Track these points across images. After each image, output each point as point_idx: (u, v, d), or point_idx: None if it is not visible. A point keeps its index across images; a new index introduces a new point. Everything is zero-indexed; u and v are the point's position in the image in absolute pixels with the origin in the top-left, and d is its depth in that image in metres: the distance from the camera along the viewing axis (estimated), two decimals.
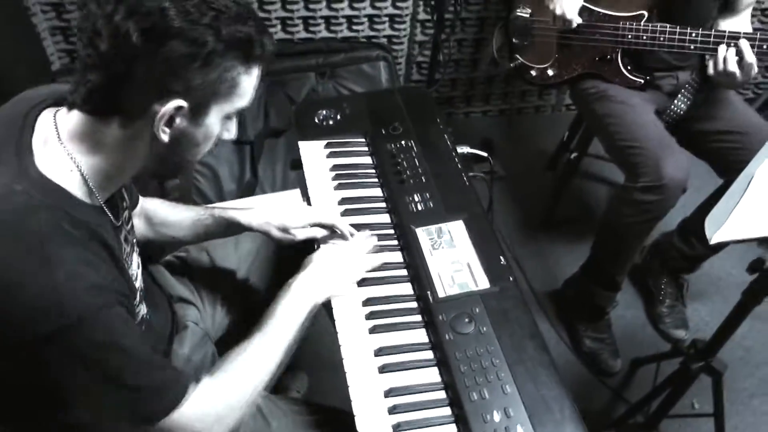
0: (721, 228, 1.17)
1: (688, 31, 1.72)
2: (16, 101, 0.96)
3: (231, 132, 1.00)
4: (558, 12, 1.81)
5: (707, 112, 1.88)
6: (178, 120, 0.87)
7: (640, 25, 1.78)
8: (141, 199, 1.29)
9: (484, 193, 1.54)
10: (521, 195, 2.57)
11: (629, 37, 1.81)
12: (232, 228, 1.33)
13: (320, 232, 1.30)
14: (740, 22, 1.84)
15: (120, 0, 0.79)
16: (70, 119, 0.88)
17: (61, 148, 0.88)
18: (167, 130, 0.87)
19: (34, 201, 0.83)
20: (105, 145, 0.88)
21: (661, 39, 1.76)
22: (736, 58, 1.64)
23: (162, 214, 1.32)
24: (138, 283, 1.09)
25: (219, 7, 0.83)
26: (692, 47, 1.72)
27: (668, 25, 1.74)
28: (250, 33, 0.85)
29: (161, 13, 0.79)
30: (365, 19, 2.43)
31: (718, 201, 1.59)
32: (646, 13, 1.78)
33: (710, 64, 1.70)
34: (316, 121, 1.55)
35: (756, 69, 1.67)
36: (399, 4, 2.40)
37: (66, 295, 0.80)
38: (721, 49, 1.66)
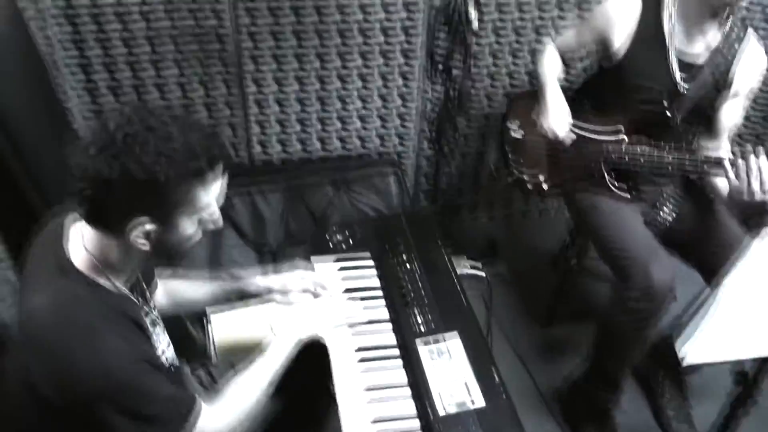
0: (692, 349, 1.27)
1: (665, 154, 1.87)
2: (54, 214, 1.25)
3: (217, 222, 1.22)
4: (547, 128, 1.98)
5: (692, 223, 2.01)
6: (152, 234, 1.11)
7: (621, 146, 1.96)
8: (159, 282, 1.52)
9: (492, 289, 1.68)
10: (526, 294, 2.70)
11: (613, 156, 1.98)
12: (242, 295, 1.59)
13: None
14: (719, 145, 2.00)
15: (100, 150, 1.04)
16: (86, 229, 1.16)
17: (85, 251, 1.16)
18: (146, 242, 1.12)
19: (79, 293, 1.12)
20: (111, 249, 1.16)
21: (641, 159, 1.93)
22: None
23: (181, 292, 1.56)
24: (167, 358, 1.32)
25: (168, 152, 1.05)
26: (670, 168, 1.88)
27: (647, 148, 1.91)
28: (199, 166, 1.09)
29: (121, 165, 1.03)
30: (376, 138, 2.66)
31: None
32: (625, 136, 1.95)
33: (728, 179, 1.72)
34: (331, 244, 1.74)
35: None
36: (406, 123, 2.64)
37: (110, 366, 1.07)
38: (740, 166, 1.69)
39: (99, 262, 1.16)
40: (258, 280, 1.58)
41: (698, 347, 1.27)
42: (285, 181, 2.52)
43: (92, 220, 1.13)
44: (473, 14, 1.81)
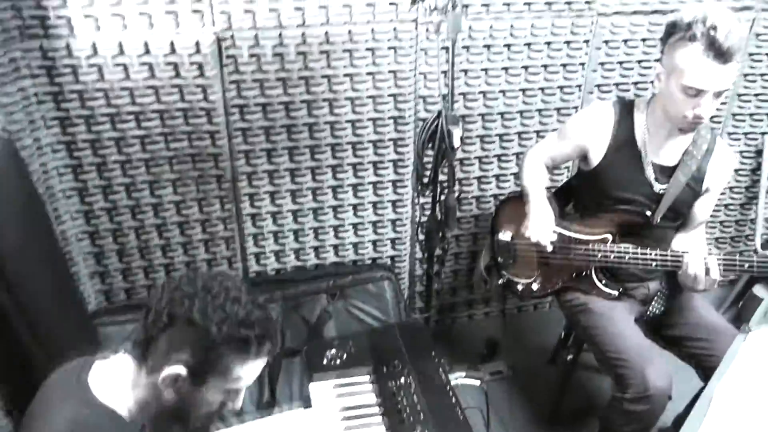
0: None
1: (648, 251, 1.94)
2: (68, 362, 1.28)
3: (236, 404, 1.26)
4: (533, 238, 2.03)
5: (678, 319, 2.06)
6: (179, 384, 1.15)
7: (607, 247, 2.02)
8: None
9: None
10: (527, 390, 2.69)
11: (599, 257, 2.04)
12: None
13: None
14: (695, 237, 2.08)
15: (179, 288, 1.16)
16: (121, 361, 1.22)
17: (111, 384, 1.20)
18: (171, 391, 1.16)
19: (100, 420, 1.15)
20: (139, 385, 1.20)
21: (626, 258, 1.99)
22: (703, 271, 1.83)
23: None
24: None
25: (229, 311, 1.14)
26: (653, 265, 1.95)
27: (631, 247, 1.98)
28: (248, 336, 1.14)
29: (188, 305, 1.14)
30: (369, 244, 2.72)
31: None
32: (610, 237, 2.03)
33: (679, 272, 1.90)
34: (325, 361, 1.75)
35: (717, 281, 1.85)
36: (398, 228, 2.71)
37: None
38: (691, 261, 1.84)
39: (124, 395, 1.19)
40: None
41: None
42: (280, 291, 2.55)
43: (138, 352, 1.19)
44: (455, 133, 1.90)
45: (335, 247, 2.70)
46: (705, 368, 1.94)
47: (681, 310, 2.08)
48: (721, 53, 1.70)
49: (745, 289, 3.05)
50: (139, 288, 2.55)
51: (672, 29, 1.80)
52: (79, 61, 2.11)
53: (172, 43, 2.16)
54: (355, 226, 2.67)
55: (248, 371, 1.19)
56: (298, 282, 2.59)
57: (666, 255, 1.92)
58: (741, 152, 2.91)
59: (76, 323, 2.13)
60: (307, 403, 1.94)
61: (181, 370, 1.14)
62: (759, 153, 2.92)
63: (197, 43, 2.17)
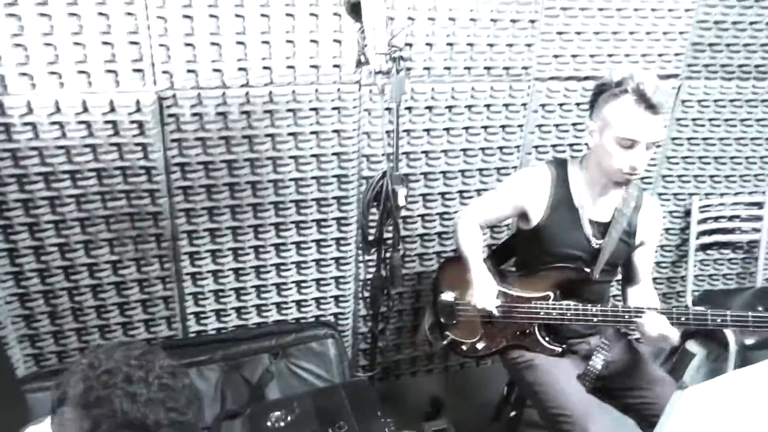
0: None
1: (590, 308, 2.00)
2: None
3: None
4: (479, 306, 2.06)
5: (618, 370, 2.11)
6: None
7: (548, 304, 2.07)
8: None
9: None
10: None
11: (542, 314, 2.08)
12: None
13: None
14: (644, 289, 2.15)
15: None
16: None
17: None
18: None
19: None
20: None
21: (568, 315, 2.03)
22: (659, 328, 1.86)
23: None
24: None
25: (141, 413, 1.08)
26: (595, 320, 2.00)
27: (572, 304, 2.03)
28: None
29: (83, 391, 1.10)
30: (312, 302, 2.69)
31: None
32: (551, 294, 2.08)
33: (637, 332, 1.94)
34: (269, 424, 1.71)
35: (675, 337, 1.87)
36: (342, 286, 2.70)
37: None
38: (646, 319, 1.88)
39: None
40: None
41: None
42: (221, 352, 2.49)
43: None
44: (401, 193, 1.93)
45: (278, 305, 2.66)
46: (646, 417, 1.99)
47: (621, 363, 2.12)
48: (650, 104, 1.82)
49: (679, 345, 3.14)
50: (71, 351, 2.44)
51: (602, 87, 1.93)
52: (12, 119, 2.06)
53: (111, 102, 2.13)
54: (298, 283, 2.64)
55: None
56: (240, 341, 2.54)
57: (606, 310, 1.97)
58: (671, 212, 3.05)
59: (2, 390, 2.01)
60: None
61: None
62: (688, 213, 3.07)
63: (138, 102, 2.15)
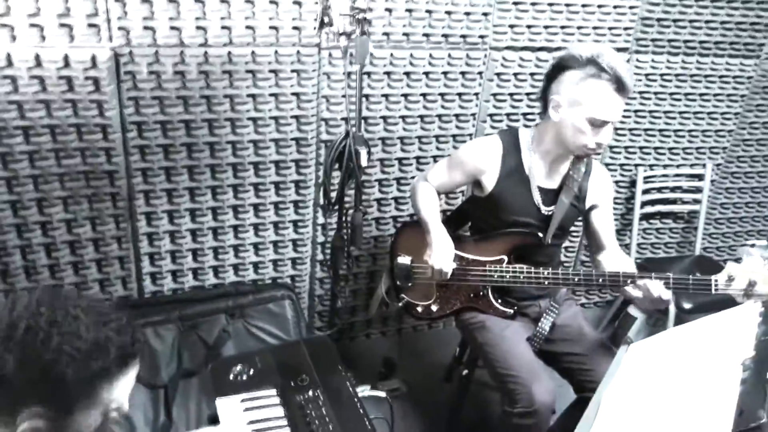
0: None
1: (542, 271, 2.08)
2: None
3: (124, 407, 1.09)
4: (435, 266, 2.11)
5: (563, 335, 2.20)
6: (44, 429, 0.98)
7: (502, 267, 2.14)
8: None
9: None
10: (424, 408, 2.75)
11: (495, 276, 2.15)
12: None
13: None
14: (613, 255, 2.17)
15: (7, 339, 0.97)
16: None
17: None
18: None
19: None
20: None
21: (521, 277, 2.11)
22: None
23: None
24: None
25: (71, 351, 0.97)
26: (546, 283, 2.08)
27: (525, 267, 2.11)
28: (105, 365, 1.00)
29: (19, 359, 0.96)
30: (270, 263, 2.72)
31: (574, 414, 1.85)
32: (505, 258, 2.15)
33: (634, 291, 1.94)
34: (231, 377, 1.74)
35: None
36: (299, 248, 2.73)
37: None
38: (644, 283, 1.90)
39: None
40: None
41: None
42: (177, 312, 2.49)
43: None
44: (363, 153, 1.96)
45: (235, 266, 2.67)
46: (581, 382, 2.10)
47: (566, 329, 2.21)
48: (624, 88, 1.88)
49: (621, 309, 3.29)
50: None
51: (567, 62, 1.95)
52: None
53: (66, 57, 2.09)
54: (255, 245, 2.66)
55: (120, 389, 1.06)
56: (196, 302, 2.54)
57: (557, 273, 2.06)
58: (617, 182, 3.17)
59: None
60: (209, 422, 1.91)
61: (39, 416, 0.98)
62: (633, 183, 3.20)
63: (93, 58, 2.12)
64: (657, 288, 1.89)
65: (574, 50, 1.94)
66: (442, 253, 2.12)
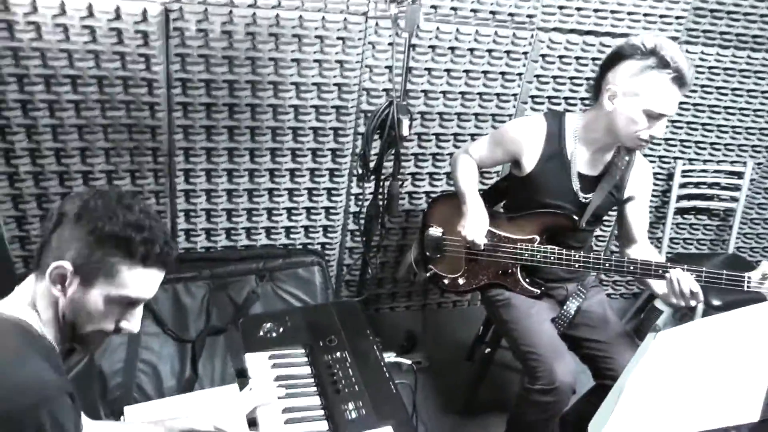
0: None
1: (573, 254, 2.08)
2: None
3: (131, 323, 1.24)
4: (469, 237, 2.12)
5: (587, 321, 2.20)
6: (67, 282, 1.15)
7: (534, 246, 2.14)
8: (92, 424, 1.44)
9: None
10: (444, 383, 2.78)
11: (526, 255, 2.16)
12: None
13: None
14: (642, 249, 2.17)
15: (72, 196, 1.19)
16: (25, 283, 1.21)
17: (19, 302, 1.18)
18: (59, 287, 1.15)
19: (6, 326, 1.12)
20: (38, 296, 1.17)
21: (552, 258, 2.11)
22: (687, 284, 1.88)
23: None
24: None
25: (117, 212, 1.16)
26: (576, 266, 2.08)
27: (557, 248, 2.11)
28: (133, 236, 1.16)
29: (78, 204, 1.16)
30: (302, 229, 2.74)
31: (591, 399, 1.86)
32: (537, 237, 2.15)
33: (663, 285, 1.94)
34: (261, 333, 1.77)
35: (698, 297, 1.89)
36: (331, 216, 2.75)
37: (33, 380, 1.05)
38: (681, 278, 1.88)
39: (30, 311, 1.17)
40: (193, 423, 1.50)
41: (608, 430, 1.38)
42: (209, 270, 2.54)
43: (35, 262, 1.19)
44: (405, 121, 1.97)
45: (267, 230, 2.70)
46: (601, 370, 2.09)
47: (592, 314, 2.21)
48: (684, 82, 1.85)
49: (647, 302, 3.27)
50: None
51: (628, 51, 1.90)
52: (16, 17, 2.03)
53: (117, 9, 2.12)
54: (289, 210, 2.69)
55: (136, 279, 1.18)
56: (228, 261, 2.58)
57: (588, 257, 2.05)
58: (654, 174, 3.10)
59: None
60: (237, 375, 1.95)
61: (66, 264, 1.13)
62: (670, 177, 3.16)
63: (144, 12, 2.14)
64: (687, 281, 1.87)
65: (636, 40, 1.90)
66: (475, 224, 2.13)
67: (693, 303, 1.89)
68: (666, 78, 1.85)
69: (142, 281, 1.19)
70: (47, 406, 1.02)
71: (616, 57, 1.94)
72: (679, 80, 1.85)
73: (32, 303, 1.17)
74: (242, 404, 1.54)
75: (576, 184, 2.10)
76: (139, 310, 1.25)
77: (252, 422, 1.53)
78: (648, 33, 1.87)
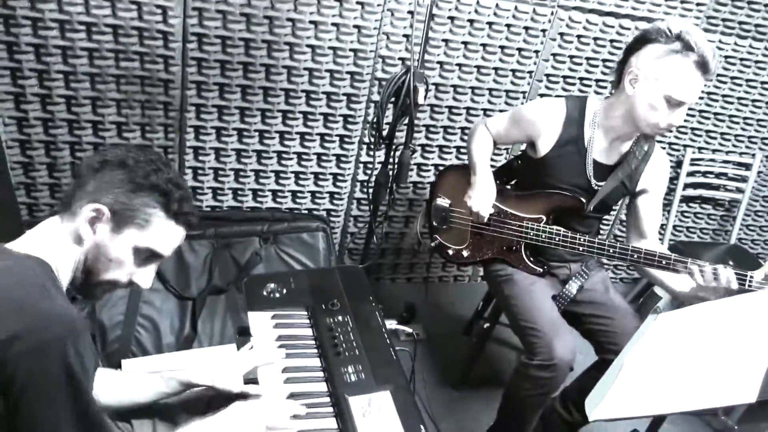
0: (598, 408, 1.42)
1: (578, 236, 2.08)
2: None
3: (144, 278, 1.27)
4: (474, 208, 2.13)
5: (589, 299, 2.20)
6: (99, 225, 1.18)
7: (540, 225, 2.14)
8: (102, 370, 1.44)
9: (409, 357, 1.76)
10: (440, 356, 2.80)
11: (531, 234, 2.16)
12: (182, 386, 1.48)
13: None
14: (651, 246, 2.13)
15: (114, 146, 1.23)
16: (46, 223, 1.21)
17: (40, 242, 1.18)
18: (89, 229, 1.17)
19: (30, 265, 1.12)
20: (60, 238, 1.18)
21: (557, 239, 2.11)
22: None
23: (126, 392, 1.46)
24: None
25: (160, 167, 1.23)
26: (580, 249, 2.08)
27: (562, 229, 2.11)
28: (171, 190, 1.22)
29: (120, 153, 1.21)
30: (308, 194, 2.74)
31: (593, 374, 1.88)
32: (544, 217, 2.15)
33: (698, 276, 1.88)
34: (264, 293, 1.77)
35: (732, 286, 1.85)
36: (339, 183, 2.74)
37: (61, 313, 1.05)
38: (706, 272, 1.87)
39: (50, 251, 1.17)
40: (192, 377, 1.49)
41: (604, 406, 1.40)
42: (213, 229, 2.54)
43: (63, 203, 1.21)
44: (421, 89, 1.95)
45: (274, 192, 2.70)
46: (603, 344, 2.10)
47: (593, 293, 2.22)
48: (707, 70, 1.82)
49: (646, 288, 3.28)
50: None
51: (654, 35, 1.87)
52: None
53: None
54: (297, 174, 2.68)
55: (165, 233, 1.23)
56: (233, 222, 2.58)
57: (593, 241, 2.05)
58: None
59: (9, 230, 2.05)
60: (238, 334, 1.96)
61: (103, 207, 1.16)
62: (679, 164, 3.15)
63: None
64: (726, 275, 1.83)
65: (662, 24, 1.86)
66: (482, 196, 2.13)
67: (720, 296, 1.83)
68: (689, 63, 1.82)
69: (169, 236, 1.25)
70: (74, 339, 1.03)
71: (641, 40, 1.91)
72: (703, 66, 1.82)
73: (52, 244, 1.18)
74: (242, 362, 1.54)
75: (590, 171, 2.09)
76: (153, 267, 1.28)
77: (250, 381, 1.53)
78: (674, 18, 1.83)
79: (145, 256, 1.24)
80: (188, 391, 1.51)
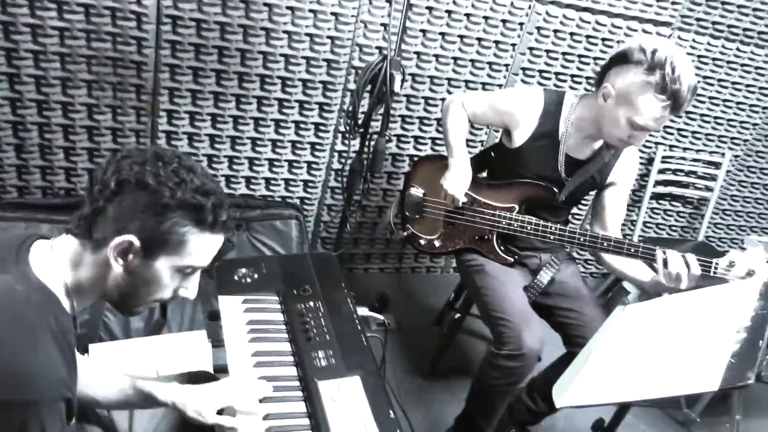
0: (564, 395, 1.44)
1: (550, 225, 2.10)
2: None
3: (189, 290, 1.19)
4: (450, 191, 2.14)
5: (559, 290, 2.23)
6: (130, 256, 1.07)
7: (512, 215, 2.16)
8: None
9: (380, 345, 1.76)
10: (411, 346, 2.81)
11: (503, 223, 2.18)
12: (149, 401, 1.40)
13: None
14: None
15: (127, 157, 1.08)
16: (62, 243, 1.12)
17: (54, 265, 1.09)
18: (121, 261, 1.07)
19: (32, 299, 1.03)
20: (83, 265, 1.10)
21: (528, 228, 2.13)
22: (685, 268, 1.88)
23: (90, 375, 1.39)
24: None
25: (184, 177, 1.07)
26: (551, 238, 2.10)
27: (533, 219, 2.13)
28: (202, 202, 1.08)
29: (139, 170, 1.06)
30: (282, 182, 2.73)
31: (561, 367, 1.91)
32: (516, 207, 2.17)
33: (660, 268, 1.92)
34: (236, 278, 1.76)
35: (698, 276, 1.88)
36: (313, 171, 2.73)
37: (39, 374, 0.99)
38: (669, 258, 1.89)
39: (66, 278, 1.10)
40: (167, 394, 1.40)
41: (571, 393, 1.42)
42: None
43: (83, 228, 1.09)
44: (397, 77, 1.95)
45: (248, 179, 2.68)
46: (571, 336, 2.13)
47: (564, 285, 2.25)
48: (678, 108, 1.86)
49: (615, 283, 3.33)
50: (34, 188, 2.42)
51: (636, 59, 1.87)
52: None
53: None
54: (271, 162, 2.66)
55: (203, 247, 1.12)
56: None
57: (564, 230, 2.07)
58: None
59: None
60: (208, 318, 1.94)
61: (132, 238, 1.05)
62: (650, 161, 3.19)
63: None
64: (691, 262, 1.87)
65: (648, 45, 1.85)
66: (458, 179, 2.15)
67: (688, 284, 1.88)
68: (662, 101, 1.85)
69: (208, 248, 1.14)
70: (39, 408, 0.97)
71: (623, 59, 1.91)
72: (674, 107, 1.85)
73: (73, 272, 1.10)
74: (219, 396, 1.41)
75: (561, 165, 2.12)
76: (197, 276, 1.19)
77: (219, 369, 1.51)
78: (664, 42, 1.82)
79: (185, 273, 1.15)
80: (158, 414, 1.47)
